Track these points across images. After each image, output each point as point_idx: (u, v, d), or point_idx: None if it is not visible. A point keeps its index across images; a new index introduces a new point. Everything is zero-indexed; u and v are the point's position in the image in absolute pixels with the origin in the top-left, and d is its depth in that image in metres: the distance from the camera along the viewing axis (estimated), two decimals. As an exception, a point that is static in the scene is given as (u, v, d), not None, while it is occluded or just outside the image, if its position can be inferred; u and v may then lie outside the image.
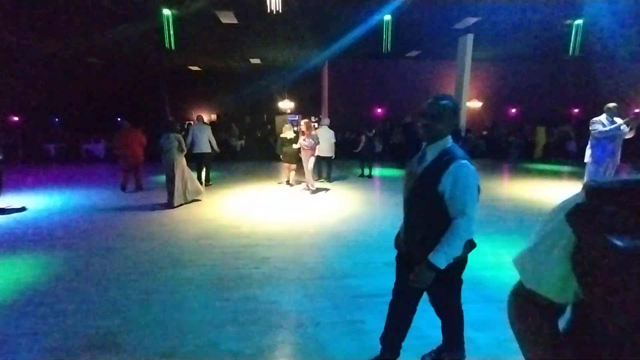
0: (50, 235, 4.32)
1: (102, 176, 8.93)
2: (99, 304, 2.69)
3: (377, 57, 13.04)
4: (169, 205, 5.59)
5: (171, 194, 5.57)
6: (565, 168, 10.28)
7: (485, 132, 13.67)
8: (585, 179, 5.14)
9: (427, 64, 13.99)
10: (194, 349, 2.14)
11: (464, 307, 1.88)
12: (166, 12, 7.43)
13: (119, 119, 14.98)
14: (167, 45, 7.73)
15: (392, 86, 14.14)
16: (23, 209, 5.47)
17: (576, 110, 14.66)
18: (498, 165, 10.85)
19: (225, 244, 3.96)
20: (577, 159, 10.04)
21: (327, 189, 7.02)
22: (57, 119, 15.52)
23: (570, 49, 9.06)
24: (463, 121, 10.56)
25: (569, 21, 8.68)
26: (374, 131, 8.47)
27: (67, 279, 3.11)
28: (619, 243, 0.35)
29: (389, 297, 2.50)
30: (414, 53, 12.68)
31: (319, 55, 12.64)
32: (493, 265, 3.33)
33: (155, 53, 11.02)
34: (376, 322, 2.40)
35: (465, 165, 1.45)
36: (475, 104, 14.33)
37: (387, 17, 8.04)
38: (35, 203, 5.93)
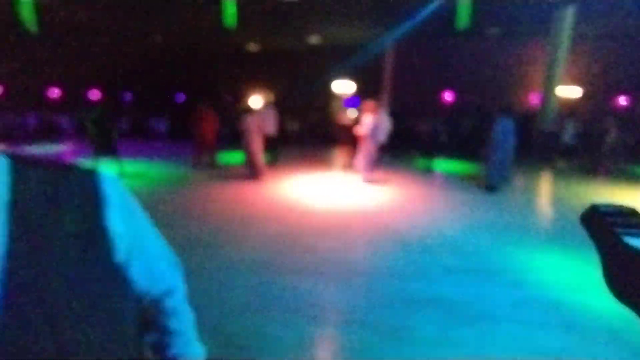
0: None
1: (167, 151, 9.85)
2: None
3: (449, 36, 12.16)
4: (254, 177, 6.34)
5: (255, 168, 6.37)
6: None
7: (582, 126, 12.05)
8: None
9: (508, 43, 12.67)
10: (238, 330, 2.28)
11: (538, 332, 1.70)
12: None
13: (187, 98, 16.31)
14: (227, 24, 8.09)
15: (464, 69, 13.14)
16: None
17: None
18: (596, 167, 9.53)
19: (274, 229, 4.11)
20: None
21: (383, 180, 6.86)
22: (127, 96, 17.42)
23: None
24: (554, 111, 9.43)
25: None
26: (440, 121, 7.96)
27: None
28: (636, 245, 0.31)
29: (445, 306, 2.38)
30: (494, 31, 11.55)
31: (383, 33, 12.18)
32: (578, 287, 2.96)
33: (216, 32, 11.64)
34: (427, 331, 2.31)
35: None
36: (571, 91, 12.66)
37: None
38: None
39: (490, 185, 6.00)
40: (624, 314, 0.29)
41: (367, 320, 2.43)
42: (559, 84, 9.44)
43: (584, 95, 12.74)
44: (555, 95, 9.40)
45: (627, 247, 0.31)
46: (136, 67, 16.68)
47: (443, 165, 8.75)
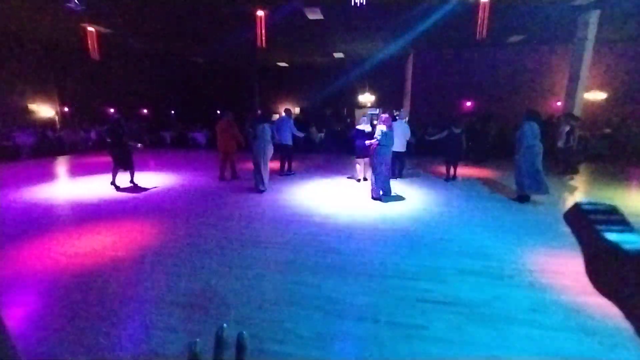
0: (162, 209, 5.20)
1: (204, 162, 10.30)
2: (187, 269, 3.15)
3: (469, 46, 11.83)
4: (257, 189, 6.15)
5: (261, 180, 6.12)
6: None
7: (608, 131, 11.23)
8: None
9: (529, 50, 12.11)
10: (260, 323, 2.34)
11: (555, 335, 1.62)
12: (259, 13, 8.04)
13: (217, 111, 17.03)
14: (259, 43, 8.38)
15: (485, 77, 12.69)
16: (143, 188, 6.71)
17: None
18: (626, 172, 8.83)
19: (298, 231, 4.18)
20: None
21: (400, 187, 6.76)
22: (172, 111, 18.41)
23: None
24: (578, 116, 8.87)
25: None
26: (461, 127, 7.16)
27: (169, 245, 3.72)
28: (615, 240, 0.32)
29: (459, 307, 2.32)
30: (516, 38, 11.09)
31: (404, 46, 12.08)
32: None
33: (249, 52, 12.09)
34: (440, 331, 2.25)
35: None
36: (596, 96, 11.86)
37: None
38: (156, 182, 7.20)
39: (520, 195, 5.57)
40: (636, 330, 0.29)
41: (381, 318, 2.41)
42: (582, 90, 8.88)
43: (608, 100, 11.88)
44: (579, 101, 8.83)
45: (608, 242, 0.32)
46: (180, 86, 17.65)
47: (465, 171, 8.48)
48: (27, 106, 12.38)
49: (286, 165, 7.81)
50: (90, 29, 9.58)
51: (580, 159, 8.65)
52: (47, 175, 8.02)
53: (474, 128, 10.24)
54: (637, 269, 0.30)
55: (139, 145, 6.41)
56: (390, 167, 5.90)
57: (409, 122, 7.38)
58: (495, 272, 3.13)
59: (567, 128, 8.05)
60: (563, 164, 8.25)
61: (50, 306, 2.56)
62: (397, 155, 7.01)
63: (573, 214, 0.36)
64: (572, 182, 7.44)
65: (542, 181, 5.35)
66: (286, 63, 16.11)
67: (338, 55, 13.85)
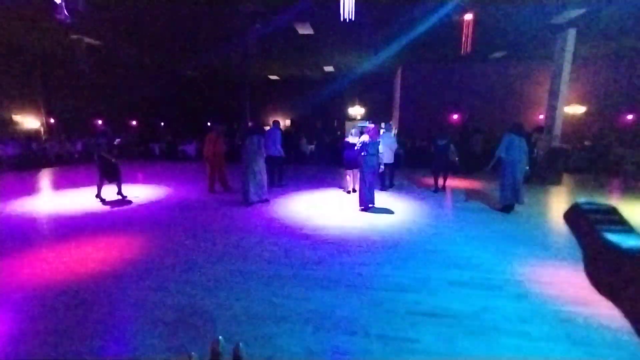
0: (150, 222, 5.09)
1: (193, 174, 10.19)
2: (174, 284, 3.06)
3: (455, 61, 12.21)
4: (245, 202, 6.07)
5: (247, 192, 6.03)
6: None
7: (587, 143, 11.64)
8: None
9: (512, 65, 12.58)
10: (248, 338, 2.28)
11: (544, 345, 1.63)
12: (251, 27, 8.15)
13: (208, 123, 16.98)
14: (250, 57, 8.46)
15: (470, 90, 13.07)
16: (129, 201, 6.57)
17: None
18: (606, 183, 9.12)
19: (287, 244, 4.14)
20: None
21: (389, 198, 6.80)
22: (162, 123, 18.27)
23: None
24: (558, 129, 9.18)
25: None
26: (446, 139, 7.30)
27: (156, 259, 3.62)
28: (614, 240, 0.31)
29: (449, 319, 2.31)
30: (498, 54, 11.52)
31: (392, 60, 12.39)
32: (587, 301, 2.81)
33: (240, 65, 12.18)
34: (431, 344, 2.24)
35: None
36: (576, 109, 12.33)
37: (469, 17, 7.48)
38: (144, 194, 7.07)
39: (504, 205, 5.70)
40: (636, 329, 0.30)
41: (372, 331, 2.38)
42: (563, 104, 9.22)
43: (588, 113, 12.37)
44: (559, 115, 9.16)
45: (608, 242, 0.32)
46: (169, 97, 17.58)
47: (452, 183, 8.61)
48: (11, 117, 12.11)
49: (276, 177, 7.79)
50: (80, 40, 9.52)
51: (560, 169, 8.89)
52: (29, 188, 7.78)
53: (456, 140, 10.46)
54: (637, 269, 0.30)
55: (113, 159, 6.28)
56: (378, 179, 5.96)
57: (398, 134, 7.49)
58: (484, 282, 3.15)
59: (533, 140, 8.42)
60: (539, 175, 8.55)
61: (30, 322, 2.44)
62: (385, 166, 7.02)
63: (573, 214, 0.37)
64: (555, 193, 7.63)
65: (519, 191, 5.55)
66: (277, 76, 16.28)
67: (328, 68, 14.09)
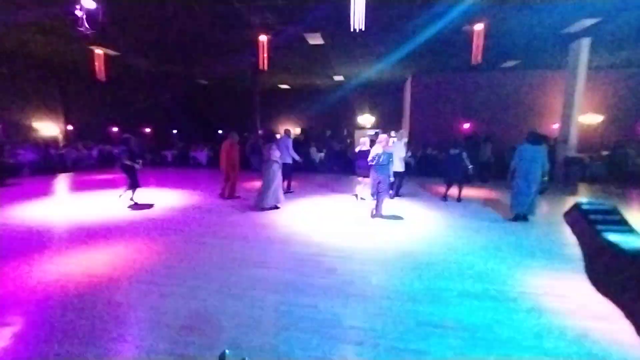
0: (161, 228, 5.16)
1: (204, 180, 10.32)
2: (183, 290, 3.08)
3: (466, 70, 12.16)
4: (257, 207, 6.17)
5: (263, 199, 6.16)
6: None
7: (605, 153, 11.34)
8: None
9: (524, 74, 12.45)
10: (255, 346, 2.27)
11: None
12: (262, 38, 8.32)
13: (219, 131, 17.25)
14: (260, 67, 8.61)
15: (482, 100, 12.96)
16: (150, 205, 6.69)
17: None
18: (624, 193, 8.83)
19: (296, 251, 4.13)
20: None
21: (401, 207, 6.74)
22: (174, 131, 18.65)
23: None
24: (574, 139, 8.99)
25: None
26: (458, 149, 7.18)
27: (167, 265, 3.66)
28: (615, 240, 0.31)
29: (461, 332, 2.25)
30: (510, 63, 11.42)
31: (402, 69, 12.42)
32: (604, 316, 2.70)
33: (251, 74, 12.41)
34: (442, 355, 2.18)
35: None
36: (592, 119, 12.07)
37: (479, 27, 7.46)
38: (156, 200, 7.19)
39: (515, 215, 5.63)
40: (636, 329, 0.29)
41: (381, 342, 2.33)
42: (577, 113, 9.05)
43: (604, 122, 12.09)
44: (574, 124, 8.98)
45: (608, 242, 0.32)
46: (182, 105, 17.98)
47: (465, 192, 8.45)
48: (31, 124, 12.56)
49: (285, 184, 7.82)
50: (98, 51, 9.88)
51: (576, 179, 8.68)
52: (46, 193, 8.01)
53: (467, 149, 10.31)
54: (637, 269, 0.29)
55: (137, 166, 6.52)
56: (389, 187, 5.95)
57: (408, 143, 7.45)
58: (498, 295, 3.06)
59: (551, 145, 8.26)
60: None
61: (42, 327, 2.49)
62: (395, 174, 6.99)
63: (573, 214, 0.36)
64: (571, 203, 7.41)
65: (532, 202, 5.47)
66: (287, 85, 16.49)
67: (338, 77, 14.20)
